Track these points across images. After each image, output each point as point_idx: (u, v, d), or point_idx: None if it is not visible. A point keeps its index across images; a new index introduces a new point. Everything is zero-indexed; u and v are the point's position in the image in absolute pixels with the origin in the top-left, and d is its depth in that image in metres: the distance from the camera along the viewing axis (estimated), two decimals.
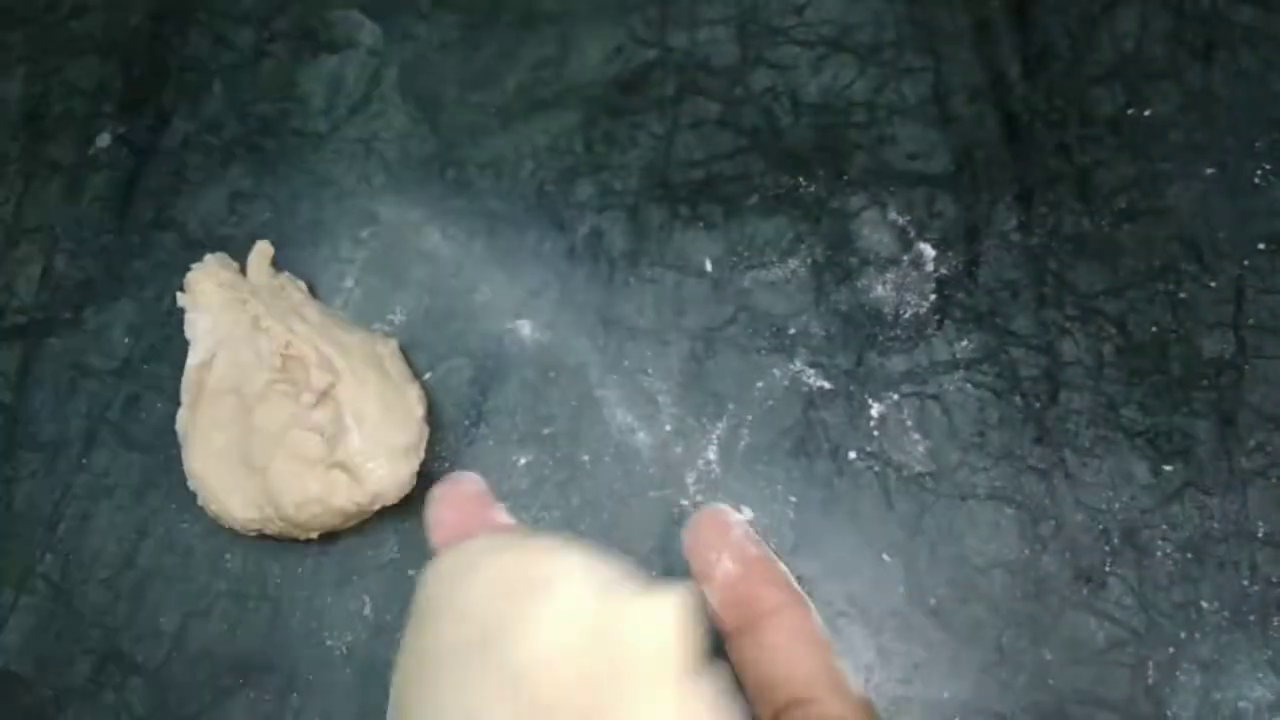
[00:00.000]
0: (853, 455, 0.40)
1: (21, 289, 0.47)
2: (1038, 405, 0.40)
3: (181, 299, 0.42)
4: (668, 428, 0.42)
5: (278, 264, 0.44)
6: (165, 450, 0.42)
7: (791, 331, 0.42)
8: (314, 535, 0.40)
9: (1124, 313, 0.41)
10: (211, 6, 0.50)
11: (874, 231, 0.43)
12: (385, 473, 0.39)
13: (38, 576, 0.42)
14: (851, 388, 0.41)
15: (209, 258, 0.43)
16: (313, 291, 0.44)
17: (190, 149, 0.48)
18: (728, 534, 0.29)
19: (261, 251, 0.44)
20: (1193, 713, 0.36)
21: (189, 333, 0.41)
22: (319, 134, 0.47)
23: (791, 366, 0.42)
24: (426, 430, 0.41)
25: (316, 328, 0.41)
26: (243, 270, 0.43)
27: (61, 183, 0.48)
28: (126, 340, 0.45)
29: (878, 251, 0.43)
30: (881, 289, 0.42)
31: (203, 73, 0.49)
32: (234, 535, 0.41)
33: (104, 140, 0.48)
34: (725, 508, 0.31)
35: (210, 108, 0.48)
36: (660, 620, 0.23)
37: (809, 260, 0.43)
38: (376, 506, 0.40)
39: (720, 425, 0.41)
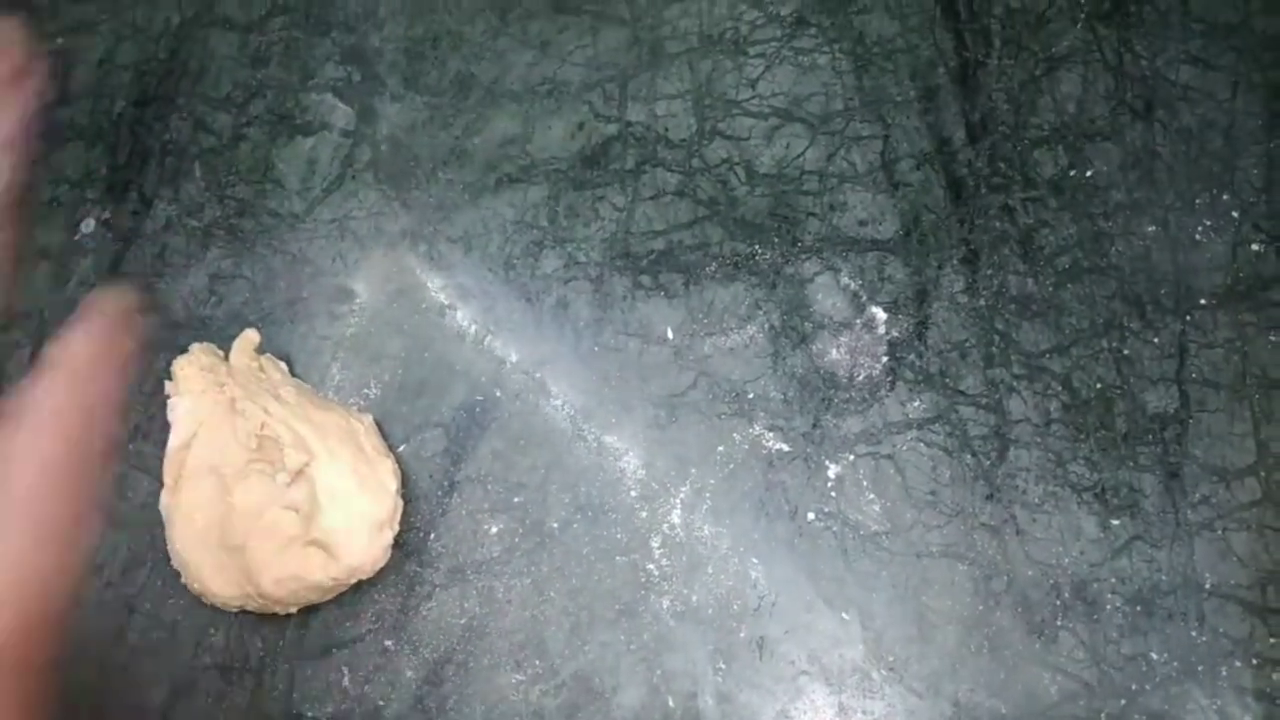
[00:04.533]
0: (811, 516, 0.42)
1: (13, 372, 0.48)
2: (988, 463, 0.41)
3: (168, 386, 0.44)
4: (633, 493, 0.43)
5: (259, 345, 0.46)
6: (151, 529, 0.44)
7: (750, 396, 0.44)
8: (293, 610, 0.41)
9: (1069, 370, 0.42)
10: (191, 92, 0.52)
11: (827, 296, 0.45)
12: (360, 547, 0.40)
13: None
14: (809, 449, 0.43)
15: (194, 346, 0.45)
16: (292, 369, 0.46)
17: (171, 232, 0.50)
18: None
19: (247, 338, 0.45)
20: None
21: (171, 416, 0.43)
22: (295, 214, 0.49)
23: (751, 430, 0.43)
24: (400, 504, 0.42)
25: (292, 408, 0.42)
26: (227, 355, 0.45)
27: (49, 268, 0.50)
28: None
29: (831, 316, 0.44)
30: (836, 353, 0.44)
31: (183, 157, 0.51)
32: (217, 611, 0.42)
33: (89, 226, 0.50)
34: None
35: (190, 191, 0.50)
36: None
37: (766, 326, 0.45)
38: (353, 580, 0.41)
39: (684, 489, 0.43)
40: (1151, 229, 0.44)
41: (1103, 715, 0.38)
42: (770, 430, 0.43)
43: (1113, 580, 0.40)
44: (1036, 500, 0.41)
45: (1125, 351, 0.42)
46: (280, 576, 0.40)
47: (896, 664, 0.40)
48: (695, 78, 0.49)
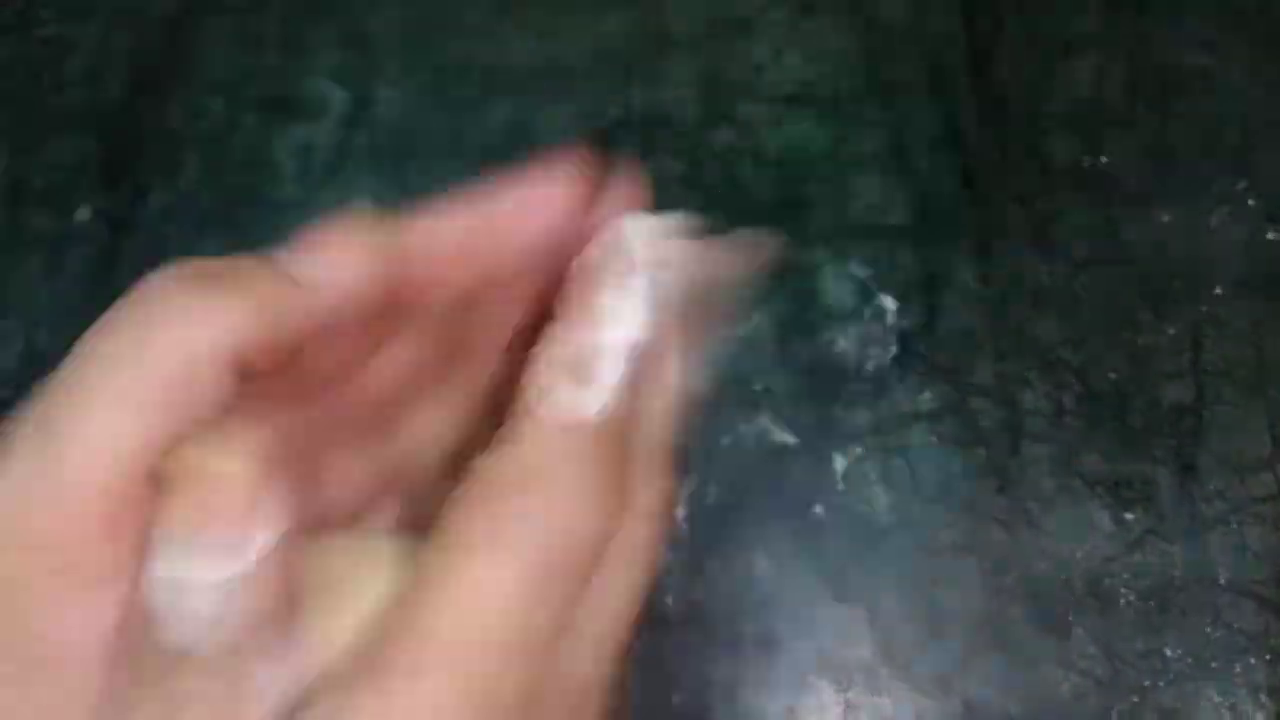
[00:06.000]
0: (819, 509, 0.41)
1: (4, 364, 0.48)
2: (999, 456, 0.41)
3: None
4: None
5: None
6: None
7: (757, 387, 0.43)
8: None
9: (1083, 362, 0.41)
10: (186, 77, 0.51)
11: (836, 285, 0.44)
12: None
13: None
14: (817, 442, 0.42)
15: None
16: None
17: (167, 221, 0.49)
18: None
19: None
20: None
21: None
22: (292, 202, 0.48)
23: (757, 422, 0.42)
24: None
25: None
26: None
27: (42, 258, 0.49)
28: None
29: (840, 305, 0.43)
30: (844, 342, 0.43)
31: (178, 144, 0.50)
32: None
33: (84, 214, 0.49)
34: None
35: (186, 179, 0.49)
36: None
37: (773, 315, 0.44)
38: None
39: (689, 483, 0.42)
40: (1166, 218, 0.43)
41: (1115, 712, 0.38)
42: (776, 422, 0.42)
43: (1126, 575, 0.39)
44: (1049, 494, 0.40)
45: (1140, 342, 0.41)
46: None
47: (905, 661, 0.39)
48: (702, 62, 0.48)
